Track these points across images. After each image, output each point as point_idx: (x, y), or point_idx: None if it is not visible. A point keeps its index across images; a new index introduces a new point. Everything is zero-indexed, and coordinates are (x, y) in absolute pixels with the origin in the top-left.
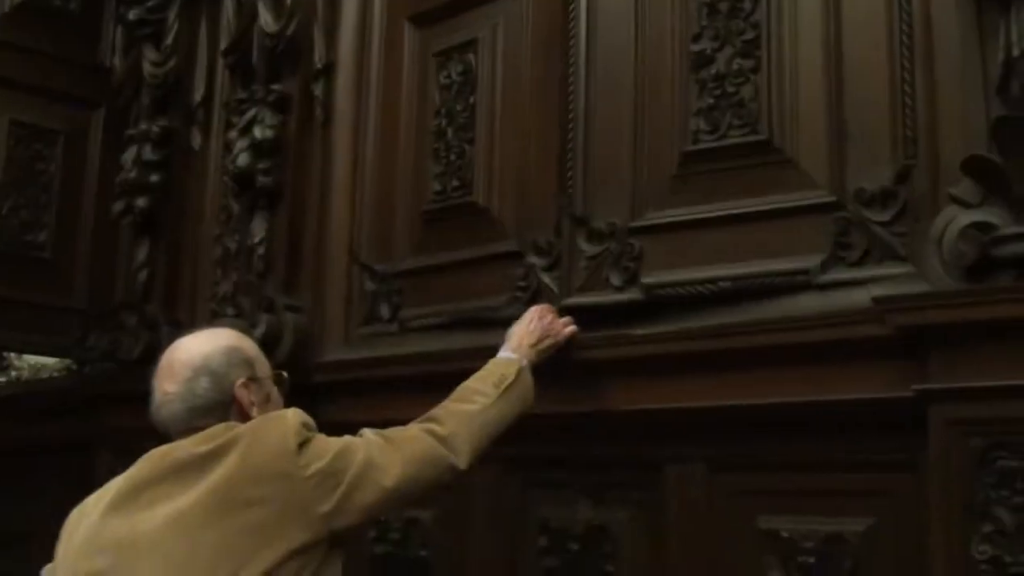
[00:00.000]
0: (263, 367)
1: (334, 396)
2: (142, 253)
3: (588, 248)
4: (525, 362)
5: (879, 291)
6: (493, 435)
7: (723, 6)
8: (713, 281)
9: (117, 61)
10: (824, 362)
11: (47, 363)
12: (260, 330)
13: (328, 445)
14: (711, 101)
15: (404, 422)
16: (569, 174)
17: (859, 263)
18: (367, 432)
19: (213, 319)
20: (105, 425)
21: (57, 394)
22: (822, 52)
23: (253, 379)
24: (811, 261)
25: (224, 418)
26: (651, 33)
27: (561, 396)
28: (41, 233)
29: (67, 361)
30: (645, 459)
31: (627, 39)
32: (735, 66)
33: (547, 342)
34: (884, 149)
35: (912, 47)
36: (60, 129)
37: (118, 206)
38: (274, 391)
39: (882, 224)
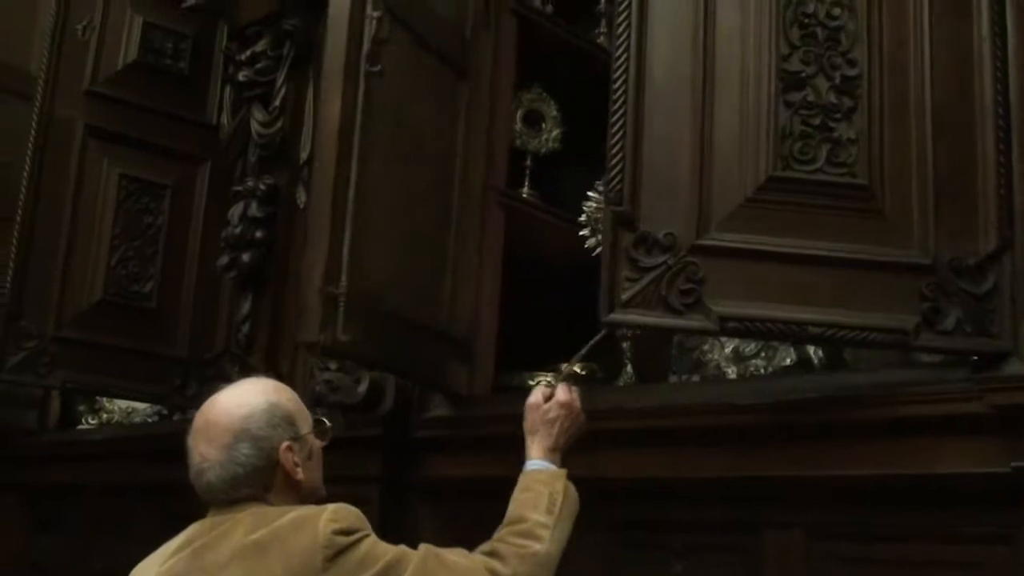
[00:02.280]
0: (305, 421)
1: (436, 452)
2: (245, 306)
3: (638, 257)
4: (565, 469)
5: (973, 367)
6: (554, 570)
7: (820, 33)
8: (800, 324)
9: (225, 119)
10: (921, 436)
11: (138, 407)
12: (363, 386)
13: (375, 554)
14: (805, 129)
15: (505, 481)
16: (617, 171)
17: (951, 332)
18: (425, 549)
19: (313, 374)
20: None
21: (154, 439)
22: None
23: (296, 438)
24: (903, 321)
25: (268, 485)
26: (722, 30)
27: (666, 460)
28: (147, 284)
29: (157, 407)
30: (743, 523)
31: (690, 28)
32: (831, 99)
33: (576, 434)
34: (983, 220)
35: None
36: (167, 183)
37: (223, 260)
38: (316, 445)
39: (976, 297)
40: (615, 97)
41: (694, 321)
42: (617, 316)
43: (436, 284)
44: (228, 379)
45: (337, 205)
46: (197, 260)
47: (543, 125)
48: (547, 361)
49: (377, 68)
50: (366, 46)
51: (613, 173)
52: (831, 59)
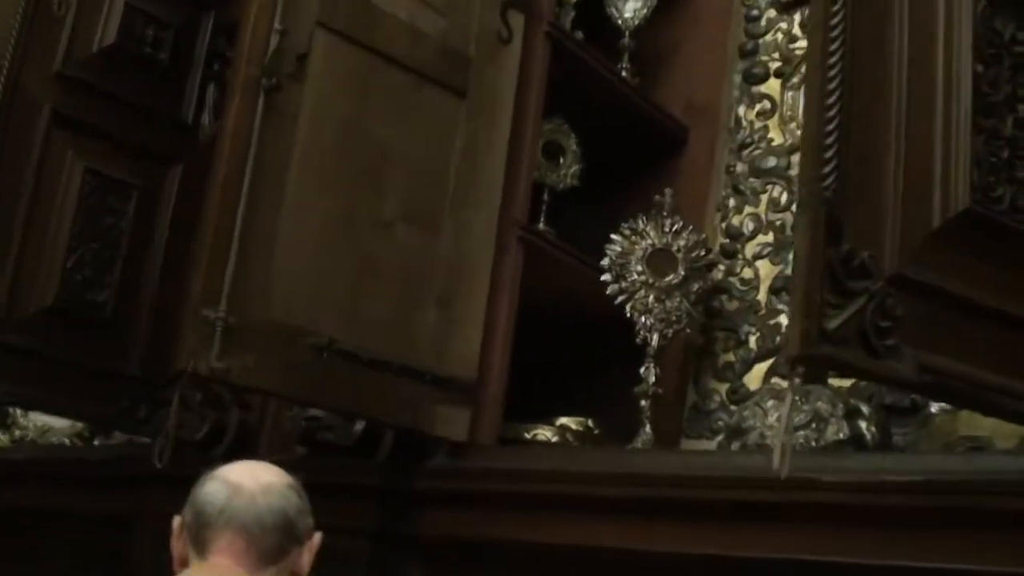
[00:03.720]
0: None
1: (434, 507)
2: None
3: (844, 279)
4: None
5: None
6: None
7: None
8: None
9: (206, 119)
10: None
11: (54, 426)
12: (359, 426)
13: None
14: (993, 161)
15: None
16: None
17: None
18: None
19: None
20: (148, 506)
21: (95, 464)
22: None
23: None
24: None
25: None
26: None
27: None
28: (103, 292)
29: (79, 427)
30: None
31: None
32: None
33: None
34: None
35: None
36: (135, 183)
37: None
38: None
39: None
40: (831, 68)
41: (886, 369)
42: (821, 350)
43: (413, 320)
44: (188, 406)
45: (221, 224)
46: (159, 271)
47: (562, 159)
48: (547, 414)
49: (273, 82)
50: (267, 59)
51: (827, 168)
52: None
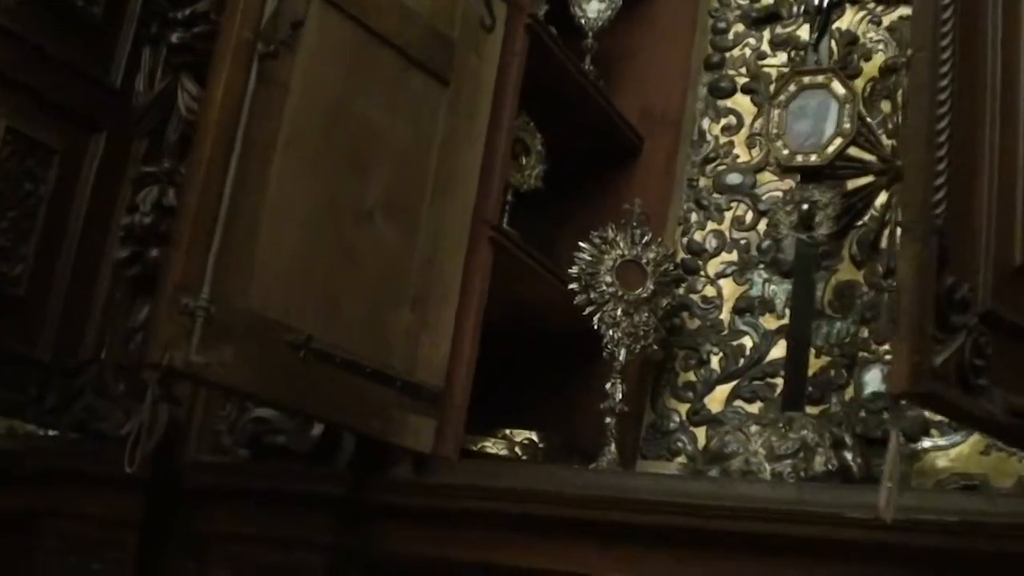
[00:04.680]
0: None
1: (393, 521)
2: (143, 311)
3: (949, 312)
4: None
5: None
6: None
7: None
8: None
9: (140, 84)
10: None
11: None
12: (316, 430)
13: None
14: None
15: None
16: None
17: None
18: None
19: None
20: (55, 506)
21: None
22: None
23: None
24: None
25: None
26: None
27: None
28: (18, 266)
29: None
30: None
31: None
32: None
33: None
34: None
35: None
36: (56, 147)
37: (123, 252)
38: None
39: None
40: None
41: (979, 409)
42: (931, 387)
43: (387, 320)
44: (107, 396)
45: (205, 201)
46: (76, 246)
47: (525, 159)
48: (498, 426)
49: (270, 48)
50: (264, 21)
51: (938, 196)
52: None
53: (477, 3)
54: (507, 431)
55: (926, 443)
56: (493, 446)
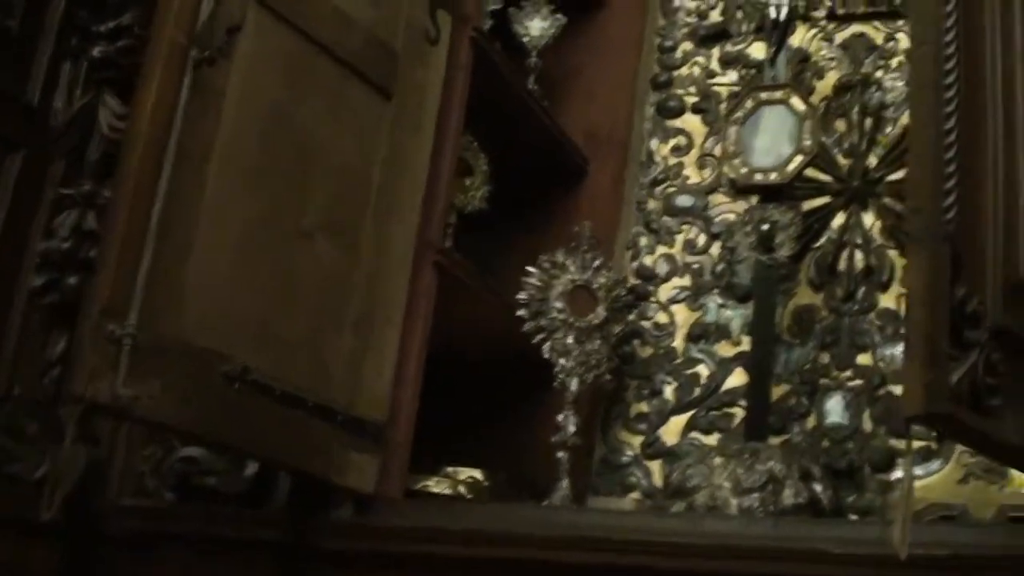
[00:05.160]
0: None
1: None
2: (60, 343)
3: (964, 326)
4: None
5: None
6: None
7: None
8: None
9: (59, 101)
10: None
11: None
12: (249, 470)
13: None
14: None
15: None
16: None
17: None
18: None
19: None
20: None
21: None
22: None
23: None
24: None
25: None
26: None
27: None
28: None
29: None
30: None
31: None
32: None
33: None
34: None
35: None
36: None
37: (39, 280)
38: None
39: None
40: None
41: (993, 430)
42: (947, 408)
43: (328, 346)
44: (21, 436)
45: (134, 220)
46: None
47: (469, 180)
48: (441, 462)
49: (205, 55)
50: (199, 25)
51: (949, 200)
52: None
53: (421, 14)
54: (449, 468)
55: (899, 473)
56: (436, 485)
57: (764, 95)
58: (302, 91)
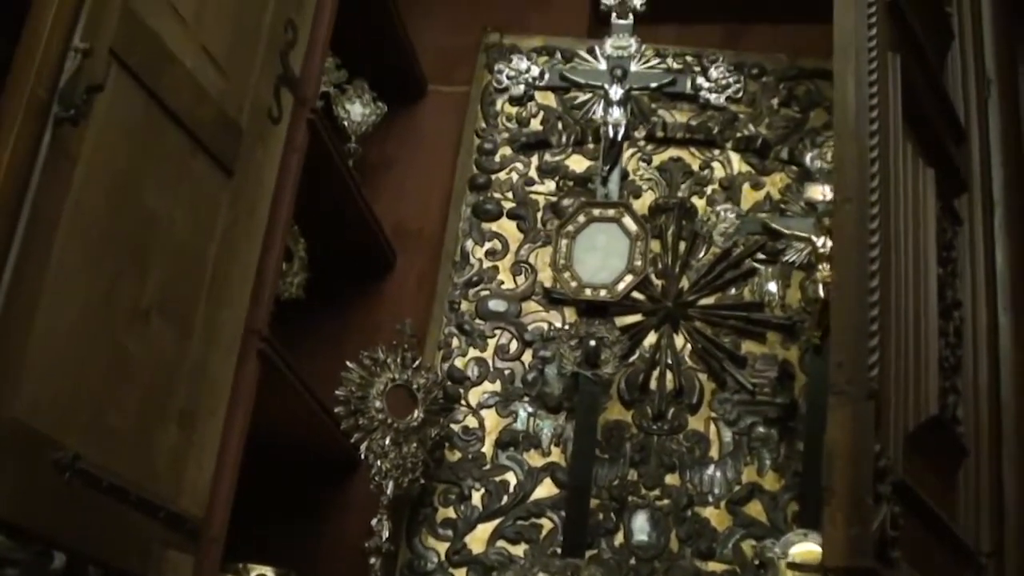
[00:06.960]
0: None
1: None
2: None
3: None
4: None
5: None
6: None
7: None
8: None
9: None
10: None
11: None
12: (58, 562)
13: None
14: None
15: None
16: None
17: None
18: None
19: None
20: None
21: None
22: None
23: None
24: None
25: None
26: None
27: None
28: None
29: None
30: None
31: None
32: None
33: None
34: None
35: None
36: None
37: None
38: None
39: None
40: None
41: None
42: (871, 562)
43: (155, 437)
44: None
45: None
46: None
47: (287, 265)
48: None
49: (70, 113)
50: (62, 83)
51: (873, 358)
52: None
53: (267, 92)
54: (240, 565)
55: None
56: None
57: (597, 211)
58: (149, 161)
